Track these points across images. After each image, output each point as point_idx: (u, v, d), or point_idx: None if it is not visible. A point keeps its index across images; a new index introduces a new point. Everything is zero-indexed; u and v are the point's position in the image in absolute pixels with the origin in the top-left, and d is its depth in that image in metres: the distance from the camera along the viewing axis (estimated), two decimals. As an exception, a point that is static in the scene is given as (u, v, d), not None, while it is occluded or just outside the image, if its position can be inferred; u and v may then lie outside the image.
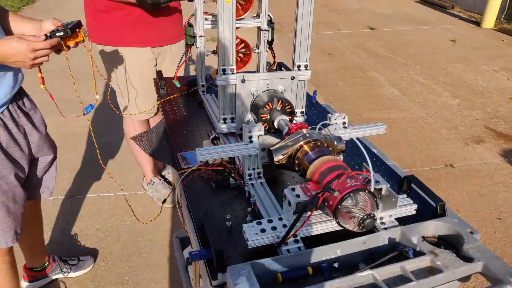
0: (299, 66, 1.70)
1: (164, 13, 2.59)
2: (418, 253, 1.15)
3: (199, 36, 2.02)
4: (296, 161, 1.28)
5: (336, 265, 1.16)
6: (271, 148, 1.32)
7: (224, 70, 1.61)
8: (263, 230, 1.15)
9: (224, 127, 1.71)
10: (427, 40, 7.00)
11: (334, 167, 1.15)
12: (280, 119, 1.55)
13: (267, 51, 2.18)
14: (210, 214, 1.32)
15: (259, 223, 1.17)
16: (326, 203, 1.12)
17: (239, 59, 2.16)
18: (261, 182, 1.45)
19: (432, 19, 8.31)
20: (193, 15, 2.02)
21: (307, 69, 1.71)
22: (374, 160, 1.64)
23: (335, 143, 1.33)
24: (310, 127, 1.38)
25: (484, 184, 3.32)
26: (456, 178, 3.39)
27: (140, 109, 2.71)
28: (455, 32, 7.51)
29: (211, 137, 1.59)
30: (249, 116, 1.70)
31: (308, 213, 1.10)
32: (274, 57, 2.24)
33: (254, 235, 1.14)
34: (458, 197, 3.17)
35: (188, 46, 2.09)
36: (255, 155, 1.40)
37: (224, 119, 1.71)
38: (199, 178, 1.49)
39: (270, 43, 2.17)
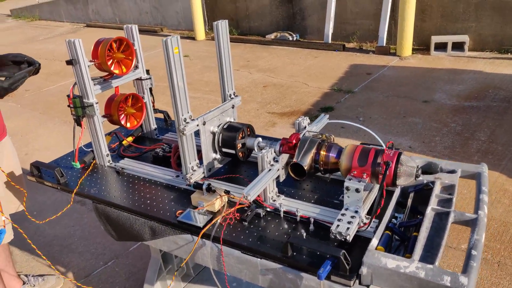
0: (230, 95, 1.83)
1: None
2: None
3: (96, 103, 1.81)
4: (321, 162, 1.47)
5: (394, 220, 1.45)
6: (295, 161, 1.45)
7: (185, 120, 1.58)
8: (349, 222, 1.31)
9: (195, 176, 1.67)
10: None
11: (364, 149, 1.41)
12: (258, 142, 1.67)
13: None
14: (279, 241, 1.36)
15: (340, 220, 1.32)
16: (377, 178, 1.37)
17: (132, 116, 2.05)
18: (283, 199, 1.55)
19: (154, 43, 8.96)
20: (75, 84, 1.80)
21: (236, 96, 1.85)
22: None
23: (327, 135, 1.58)
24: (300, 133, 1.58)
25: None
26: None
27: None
28: (184, 50, 8.38)
29: (204, 186, 1.54)
30: (214, 155, 1.73)
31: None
32: (153, 102, 2.21)
33: (347, 229, 1.29)
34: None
35: (80, 118, 1.84)
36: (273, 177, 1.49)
37: (192, 168, 1.67)
38: (227, 226, 1.46)
39: (150, 90, 2.14)
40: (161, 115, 2.34)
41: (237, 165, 1.82)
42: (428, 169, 1.66)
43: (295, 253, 1.31)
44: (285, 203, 1.52)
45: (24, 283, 2.65)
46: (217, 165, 1.77)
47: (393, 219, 1.44)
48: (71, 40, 1.70)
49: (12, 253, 3.04)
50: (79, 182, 1.81)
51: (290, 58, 7.28)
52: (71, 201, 1.77)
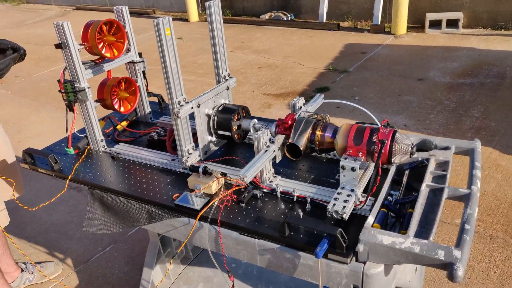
0: (224, 77, 1.81)
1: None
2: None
3: (88, 88, 1.79)
4: (317, 142, 1.46)
5: (389, 198, 1.46)
6: (291, 141, 1.45)
7: (179, 102, 1.57)
8: (346, 201, 1.32)
9: (191, 159, 1.67)
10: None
11: (359, 128, 1.41)
12: (254, 124, 1.67)
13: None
14: (277, 221, 1.37)
15: (336, 199, 1.33)
16: (372, 156, 1.38)
17: (125, 100, 2.03)
18: (279, 179, 1.55)
19: (146, 26, 8.83)
20: (66, 68, 1.78)
21: (231, 77, 1.84)
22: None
23: (322, 115, 1.57)
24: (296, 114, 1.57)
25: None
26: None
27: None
28: (177, 32, 8.27)
29: (201, 169, 1.54)
30: (209, 138, 1.72)
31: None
32: (147, 86, 2.19)
33: (343, 208, 1.30)
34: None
35: (72, 104, 1.82)
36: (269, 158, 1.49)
37: (188, 151, 1.67)
38: (225, 208, 1.46)
39: (143, 73, 2.12)
40: (155, 99, 2.32)
41: (233, 147, 1.82)
42: (422, 146, 1.67)
43: (292, 233, 1.32)
44: (282, 184, 1.53)
45: (22, 270, 2.66)
46: (213, 147, 1.77)
47: (388, 197, 1.45)
48: (60, 23, 1.66)
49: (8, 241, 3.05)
50: (73, 168, 1.80)
51: (284, 38, 7.21)
52: (65, 187, 1.76)
